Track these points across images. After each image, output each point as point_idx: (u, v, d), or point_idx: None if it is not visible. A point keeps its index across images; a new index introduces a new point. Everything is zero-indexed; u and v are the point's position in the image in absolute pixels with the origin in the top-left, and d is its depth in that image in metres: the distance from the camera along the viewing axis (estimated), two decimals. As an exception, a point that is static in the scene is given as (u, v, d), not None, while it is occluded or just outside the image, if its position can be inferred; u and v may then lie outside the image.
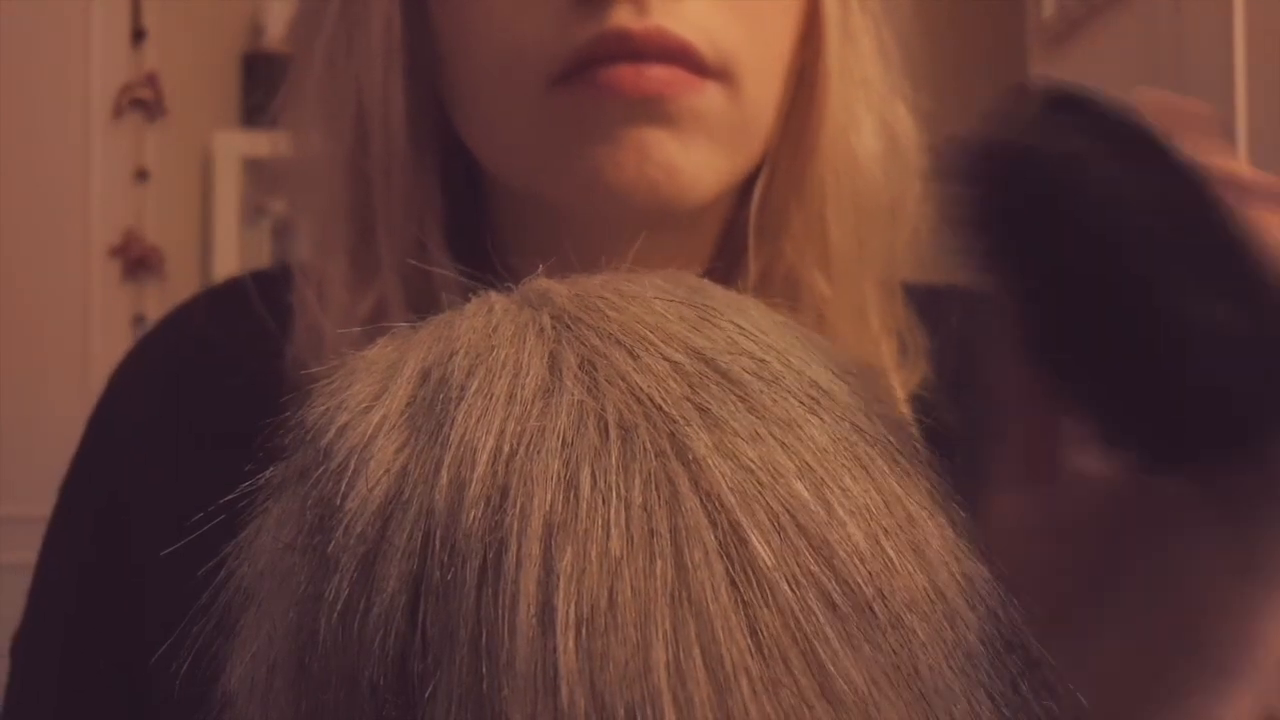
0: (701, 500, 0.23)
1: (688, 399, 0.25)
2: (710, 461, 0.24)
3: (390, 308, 0.45)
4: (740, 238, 0.48)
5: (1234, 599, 0.27)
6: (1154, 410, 0.25)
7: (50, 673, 0.51)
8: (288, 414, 0.28)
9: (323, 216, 0.48)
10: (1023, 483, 0.31)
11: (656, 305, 0.27)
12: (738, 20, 0.43)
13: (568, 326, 0.27)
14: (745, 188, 0.48)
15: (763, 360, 0.26)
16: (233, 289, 0.53)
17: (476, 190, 0.50)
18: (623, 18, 0.41)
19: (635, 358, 0.26)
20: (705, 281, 0.30)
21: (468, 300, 0.29)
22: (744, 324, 0.27)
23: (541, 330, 0.27)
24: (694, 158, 0.43)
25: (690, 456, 0.24)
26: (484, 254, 0.46)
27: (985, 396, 0.30)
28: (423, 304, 0.45)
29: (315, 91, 0.48)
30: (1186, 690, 0.27)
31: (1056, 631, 0.27)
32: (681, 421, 0.24)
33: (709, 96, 0.43)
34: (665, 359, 0.26)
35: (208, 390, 0.50)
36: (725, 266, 0.49)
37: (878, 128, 0.48)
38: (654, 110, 0.42)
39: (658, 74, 0.41)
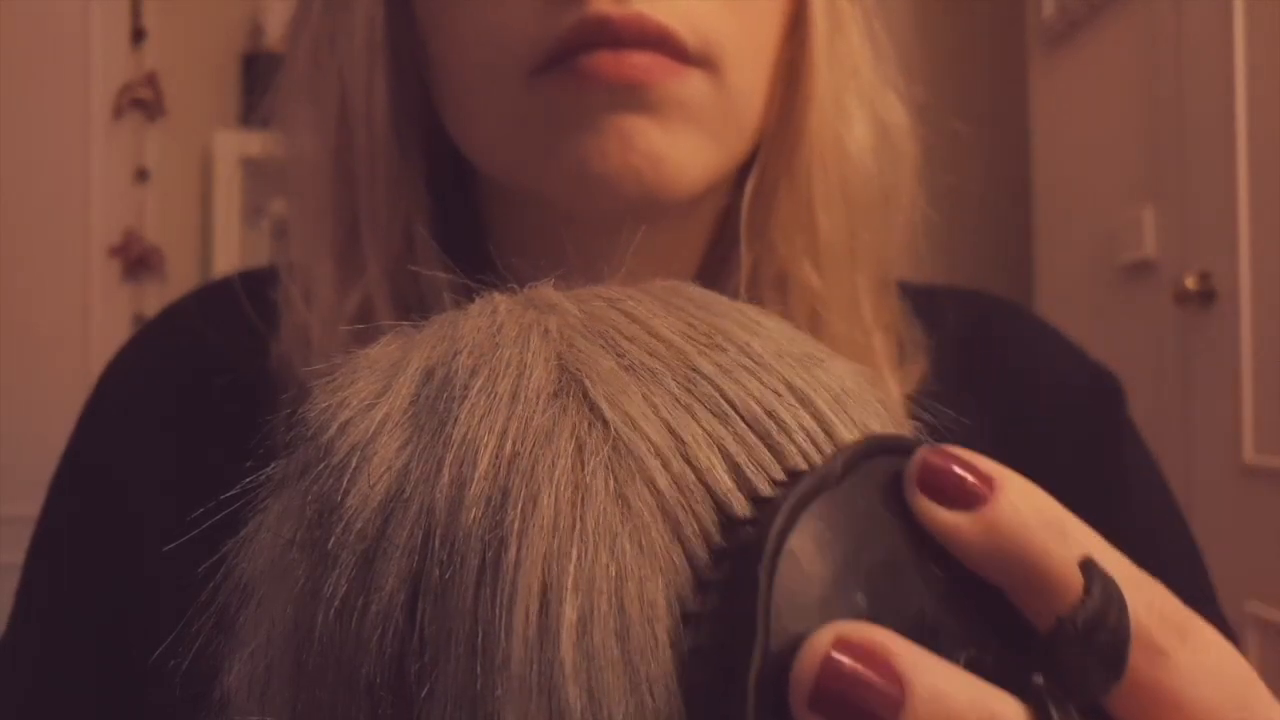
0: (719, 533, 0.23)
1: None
2: (731, 501, 0.24)
3: (376, 306, 0.45)
4: (733, 233, 0.48)
5: None
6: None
7: (40, 669, 0.51)
8: (286, 410, 0.28)
9: (310, 214, 0.48)
10: None
11: (662, 330, 0.27)
12: (721, 7, 0.43)
13: (577, 337, 0.27)
14: (739, 182, 0.48)
15: (770, 407, 0.26)
16: (223, 288, 0.54)
17: (468, 189, 0.50)
18: (603, 5, 0.40)
19: (650, 386, 0.25)
20: (709, 295, 0.29)
21: (464, 300, 0.29)
22: (752, 360, 0.27)
23: (546, 333, 0.27)
24: (679, 145, 0.42)
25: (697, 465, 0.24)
26: (478, 253, 0.46)
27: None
28: (410, 302, 0.45)
29: (302, 90, 0.48)
30: None
31: None
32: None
33: (692, 84, 0.42)
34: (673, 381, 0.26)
35: (199, 388, 0.50)
36: (718, 262, 0.49)
37: (868, 118, 0.48)
38: (636, 97, 0.41)
39: (638, 60, 0.41)
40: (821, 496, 0.22)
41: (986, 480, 0.23)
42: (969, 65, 2.33)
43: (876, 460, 0.24)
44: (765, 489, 0.24)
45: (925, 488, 0.23)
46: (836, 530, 0.22)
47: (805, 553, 0.22)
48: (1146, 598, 0.23)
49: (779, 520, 0.22)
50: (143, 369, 0.54)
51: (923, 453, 0.24)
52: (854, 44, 0.48)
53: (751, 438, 0.25)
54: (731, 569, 0.22)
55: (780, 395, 0.26)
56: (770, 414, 0.25)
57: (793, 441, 0.25)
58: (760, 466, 0.24)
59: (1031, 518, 0.23)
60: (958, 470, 0.23)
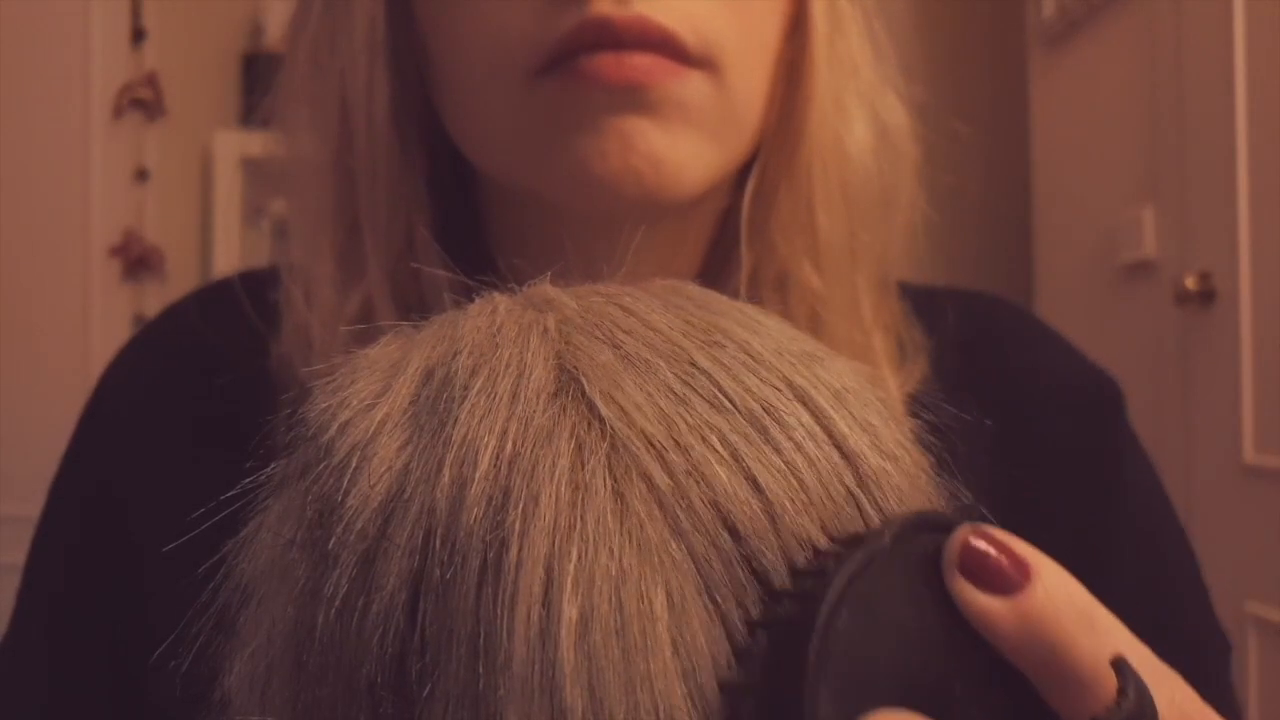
0: (718, 526, 0.23)
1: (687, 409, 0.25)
2: (728, 490, 0.24)
3: (377, 307, 0.45)
4: (734, 233, 0.48)
5: None
6: None
7: (40, 670, 0.51)
8: (285, 411, 0.28)
9: (311, 215, 0.48)
10: None
11: (660, 325, 0.27)
12: (722, 8, 0.43)
13: (574, 333, 0.27)
14: (739, 183, 0.48)
15: (769, 403, 0.26)
16: (223, 288, 0.54)
17: (468, 189, 0.50)
18: (604, 6, 0.40)
19: (646, 378, 0.26)
20: (709, 295, 0.29)
21: (464, 300, 0.29)
22: (750, 356, 0.27)
23: (545, 332, 0.27)
24: (679, 147, 0.42)
25: (695, 464, 0.24)
26: (479, 253, 0.46)
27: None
28: (410, 303, 0.45)
29: (302, 91, 0.48)
30: None
31: None
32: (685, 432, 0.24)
33: (693, 85, 0.42)
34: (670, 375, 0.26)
35: (199, 388, 0.50)
36: (719, 263, 0.49)
37: (868, 118, 0.48)
38: (637, 99, 0.41)
39: (640, 62, 0.41)
40: (867, 574, 0.22)
41: (1022, 566, 0.24)
42: (969, 65, 2.33)
43: (919, 535, 0.24)
44: (763, 476, 0.24)
45: (964, 570, 0.23)
46: (880, 608, 0.22)
47: (851, 632, 0.22)
48: (1168, 693, 0.24)
49: (829, 597, 0.21)
50: (143, 369, 0.54)
51: (963, 534, 0.24)
52: (854, 44, 0.48)
53: (749, 430, 0.25)
54: (776, 644, 0.22)
55: (779, 390, 0.26)
56: (768, 409, 0.25)
57: (790, 437, 0.25)
58: (757, 459, 0.24)
59: (1064, 608, 0.23)
60: (996, 554, 0.24)
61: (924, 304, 0.51)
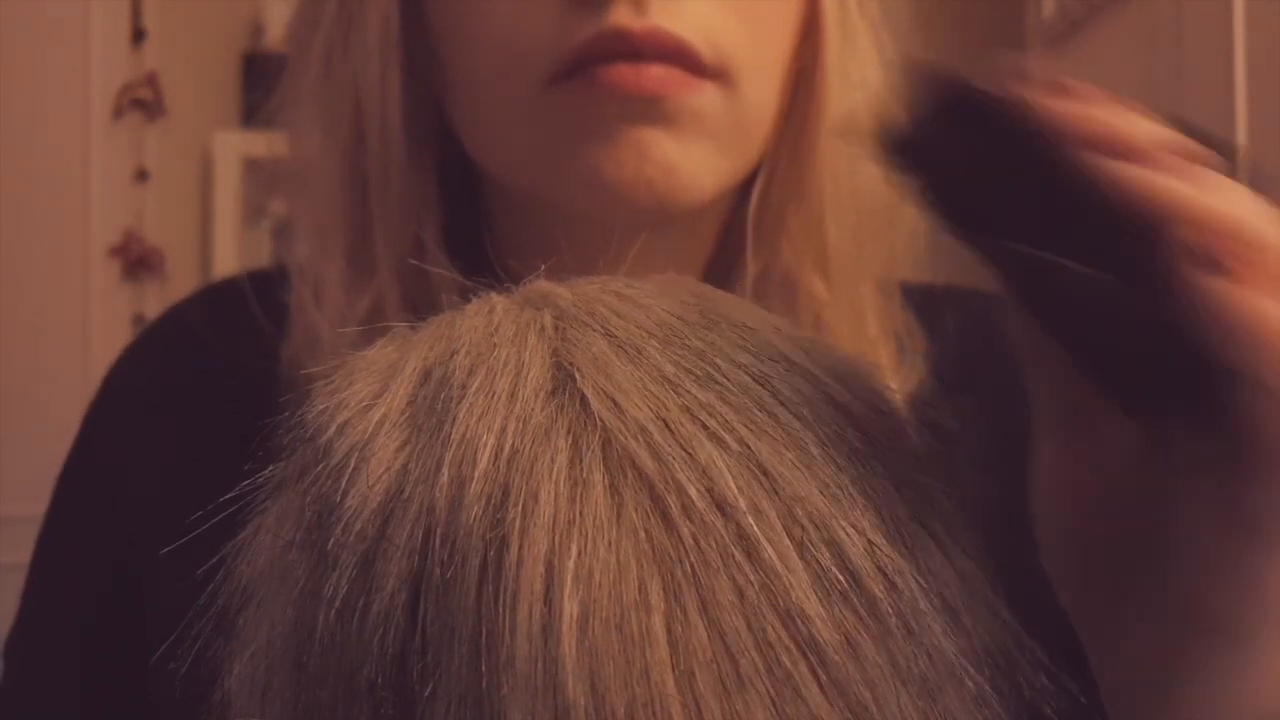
0: (706, 504, 0.23)
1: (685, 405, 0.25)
2: (717, 465, 0.24)
3: (387, 308, 0.45)
4: (739, 239, 0.48)
5: (1237, 563, 0.26)
6: (1112, 359, 0.25)
7: (45, 673, 0.51)
8: (286, 413, 0.28)
9: (320, 216, 0.48)
10: (1058, 437, 0.31)
11: (654, 309, 0.27)
12: (737, 21, 0.43)
13: (569, 327, 0.27)
14: (744, 189, 0.48)
15: (763, 373, 0.26)
16: (229, 288, 0.54)
17: (474, 192, 0.50)
18: (621, 17, 0.41)
19: (636, 364, 0.26)
20: (707, 287, 0.30)
21: (467, 301, 0.29)
22: (746, 333, 0.27)
23: (543, 330, 0.27)
24: (692, 157, 0.43)
25: (694, 460, 0.24)
26: (482, 255, 0.46)
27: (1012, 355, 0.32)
28: (420, 304, 0.45)
29: (313, 91, 0.48)
30: (1208, 666, 0.27)
31: (1082, 615, 0.28)
32: (682, 428, 0.24)
33: (707, 97, 0.43)
34: (667, 363, 0.26)
35: (203, 389, 0.50)
36: (724, 268, 0.49)
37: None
38: (652, 109, 0.42)
39: (656, 73, 0.41)
40: None
41: None
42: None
43: None
44: (756, 444, 0.24)
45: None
46: None
47: None
48: None
49: None
50: (146, 370, 0.54)
51: None
52: (864, 55, 0.48)
53: (743, 401, 0.25)
54: None
55: (775, 363, 0.26)
56: (762, 380, 0.25)
57: (786, 404, 0.25)
58: (749, 428, 0.24)
59: None
60: None
61: (923, 303, 0.51)
